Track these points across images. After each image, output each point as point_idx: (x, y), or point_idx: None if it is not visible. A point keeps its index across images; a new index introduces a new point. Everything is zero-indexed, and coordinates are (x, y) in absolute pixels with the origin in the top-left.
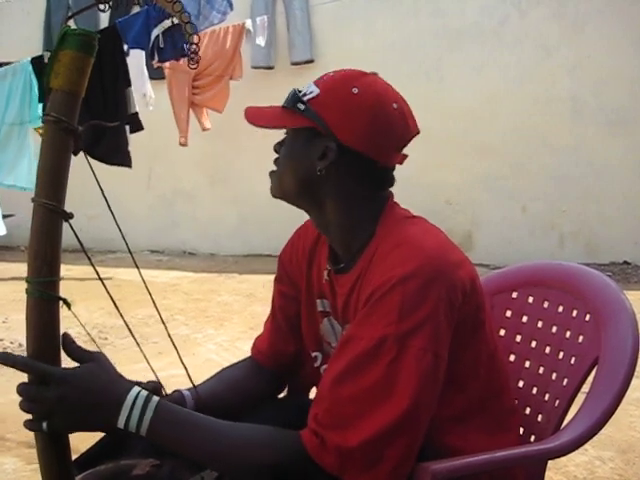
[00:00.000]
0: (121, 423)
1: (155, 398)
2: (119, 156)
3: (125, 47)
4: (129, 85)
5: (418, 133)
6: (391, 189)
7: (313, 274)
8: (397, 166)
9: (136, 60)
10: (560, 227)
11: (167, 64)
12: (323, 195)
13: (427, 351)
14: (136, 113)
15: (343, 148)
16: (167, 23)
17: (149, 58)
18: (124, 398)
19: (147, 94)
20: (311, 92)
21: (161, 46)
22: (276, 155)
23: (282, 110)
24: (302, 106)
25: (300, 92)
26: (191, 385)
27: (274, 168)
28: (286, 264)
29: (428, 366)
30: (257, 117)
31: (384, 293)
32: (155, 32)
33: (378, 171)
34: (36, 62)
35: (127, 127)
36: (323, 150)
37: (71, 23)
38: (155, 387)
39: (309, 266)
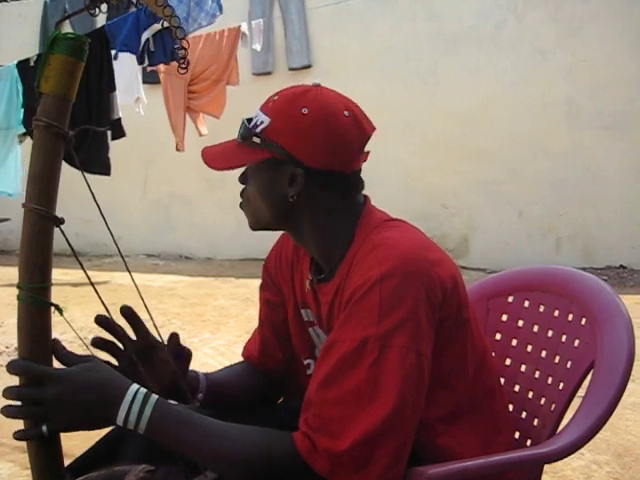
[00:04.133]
0: (120, 419)
1: (154, 395)
2: (98, 164)
3: (114, 51)
4: (113, 90)
5: (374, 130)
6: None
7: (296, 283)
8: (394, 171)
9: (130, 63)
10: (557, 231)
11: (162, 68)
12: (300, 218)
13: (409, 349)
14: (119, 119)
15: (309, 170)
16: (157, 26)
17: (139, 61)
18: (123, 394)
19: (140, 98)
20: (262, 122)
21: (152, 49)
22: (242, 186)
23: (238, 146)
24: (257, 139)
25: (250, 123)
26: (188, 391)
27: (242, 200)
28: (271, 271)
29: (411, 364)
30: (216, 160)
31: (362, 295)
32: (145, 35)
33: (347, 179)
34: (21, 66)
35: (109, 133)
36: (290, 177)
37: (67, 25)
38: (188, 352)
39: (292, 274)
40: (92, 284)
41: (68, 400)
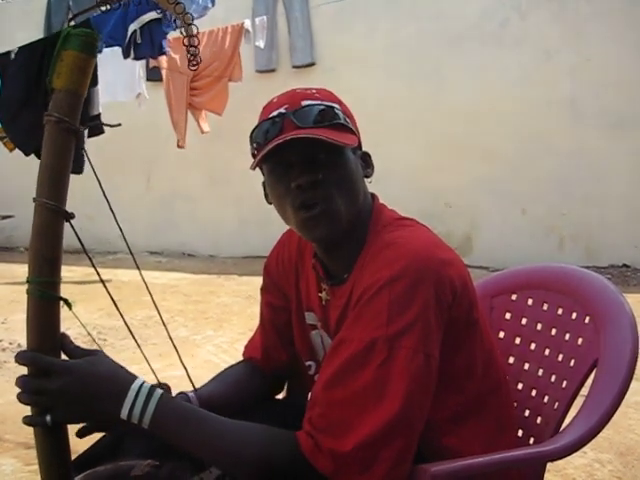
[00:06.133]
0: (124, 414)
1: (158, 390)
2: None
3: (99, 44)
4: (95, 84)
5: None
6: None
7: (301, 286)
8: (397, 169)
9: (129, 60)
10: (560, 230)
11: (164, 64)
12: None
13: (418, 351)
14: (98, 115)
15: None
16: (145, 18)
17: (125, 54)
18: (128, 388)
19: (142, 94)
20: (337, 108)
21: (138, 42)
22: (310, 194)
23: (332, 130)
24: (347, 122)
25: (334, 109)
26: (194, 386)
27: (319, 191)
28: (273, 274)
29: (419, 367)
30: (335, 137)
31: (372, 295)
32: (132, 27)
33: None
34: (2, 59)
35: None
36: (362, 158)
37: (71, 24)
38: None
39: (297, 277)
40: (101, 279)
41: (71, 392)
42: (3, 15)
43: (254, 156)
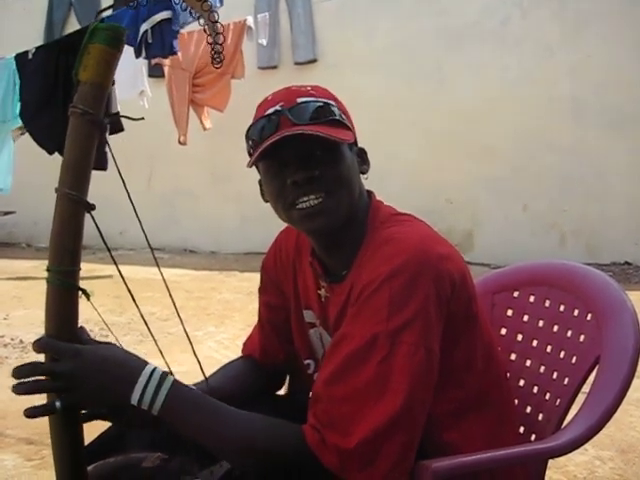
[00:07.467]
0: (135, 399)
1: (170, 377)
2: (95, 159)
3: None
4: (112, 83)
5: None
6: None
7: (299, 283)
8: (399, 167)
9: (133, 56)
10: (561, 227)
11: (167, 62)
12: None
13: (419, 346)
14: (117, 113)
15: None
16: (156, 18)
17: (136, 54)
18: (139, 373)
19: (144, 91)
20: (334, 105)
21: (149, 41)
22: (306, 189)
23: (330, 127)
24: (343, 118)
25: (330, 106)
26: (197, 381)
27: (315, 199)
28: (271, 272)
29: (421, 361)
30: (332, 134)
31: (372, 291)
32: (144, 27)
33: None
34: (19, 59)
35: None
36: (358, 154)
37: (73, 20)
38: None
39: (295, 275)
40: (120, 272)
41: (81, 374)
42: (4, 11)
43: (250, 154)
